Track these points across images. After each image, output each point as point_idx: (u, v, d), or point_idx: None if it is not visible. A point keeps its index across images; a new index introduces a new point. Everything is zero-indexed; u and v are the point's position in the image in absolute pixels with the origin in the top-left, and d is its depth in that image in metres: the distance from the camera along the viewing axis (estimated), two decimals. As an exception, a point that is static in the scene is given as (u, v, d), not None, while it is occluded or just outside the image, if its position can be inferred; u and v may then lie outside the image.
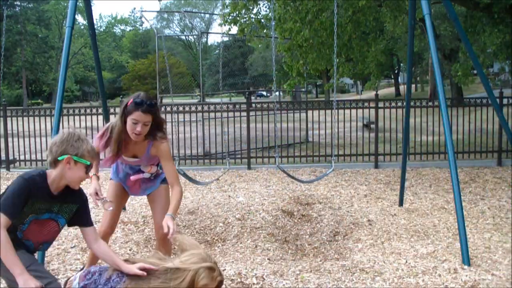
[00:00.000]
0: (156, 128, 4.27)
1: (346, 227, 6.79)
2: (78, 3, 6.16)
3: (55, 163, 3.19)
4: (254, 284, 4.91)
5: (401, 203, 7.83)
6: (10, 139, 12.58)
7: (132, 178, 4.62)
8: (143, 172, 4.61)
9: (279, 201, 8.09)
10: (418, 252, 5.68)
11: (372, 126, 13.56)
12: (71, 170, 3.19)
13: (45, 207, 3.25)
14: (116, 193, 4.79)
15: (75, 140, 3.19)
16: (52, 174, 3.21)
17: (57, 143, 3.19)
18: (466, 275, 4.87)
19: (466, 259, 5.18)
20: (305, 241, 6.28)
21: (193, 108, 12.63)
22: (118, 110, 11.74)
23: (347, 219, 7.13)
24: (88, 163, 3.23)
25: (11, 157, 12.38)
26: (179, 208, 7.55)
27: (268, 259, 5.65)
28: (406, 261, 5.39)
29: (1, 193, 3.22)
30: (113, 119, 4.43)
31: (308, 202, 8.07)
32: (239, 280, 4.98)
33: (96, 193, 4.35)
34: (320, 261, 5.58)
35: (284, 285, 4.86)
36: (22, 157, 12.68)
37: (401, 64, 49.57)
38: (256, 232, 6.56)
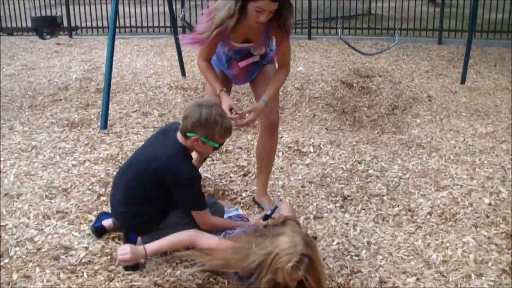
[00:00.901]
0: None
1: (405, 101, 6.75)
2: None
3: (185, 135, 3.06)
4: (311, 152, 5.01)
5: (463, 81, 7.66)
6: (71, 7, 12.73)
7: (242, 64, 3.72)
8: (252, 55, 3.72)
9: (338, 72, 8.05)
10: (477, 131, 5.64)
11: (438, 0, 13.00)
12: (199, 147, 3.09)
13: None
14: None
15: (211, 122, 2.98)
16: (186, 143, 3.10)
17: (191, 118, 3.00)
18: (525, 156, 4.85)
19: (526, 141, 5.13)
20: (363, 113, 6.29)
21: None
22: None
23: (406, 93, 7.08)
24: (217, 145, 3.09)
25: (73, 24, 12.52)
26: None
27: (326, 128, 5.71)
28: (464, 139, 5.38)
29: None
30: None
31: (368, 74, 8.00)
32: (296, 148, 5.08)
33: (231, 109, 3.45)
34: (377, 133, 5.62)
35: (340, 155, 4.94)
36: (83, 24, 12.80)
37: None
38: (315, 102, 6.60)
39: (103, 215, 3.48)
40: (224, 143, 3.08)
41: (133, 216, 3.07)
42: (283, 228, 2.89)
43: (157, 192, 3.08)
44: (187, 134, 3.02)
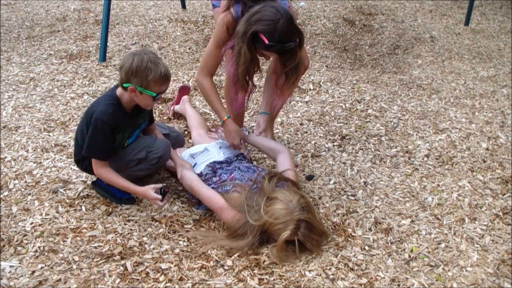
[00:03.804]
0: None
1: (407, 41, 6.68)
2: None
3: (123, 87, 2.90)
4: (310, 89, 4.99)
5: (467, 22, 7.56)
6: None
7: None
8: None
9: (341, 8, 7.91)
10: (478, 74, 5.61)
11: None
12: (138, 98, 2.91)
13: (132, 129, 3.09)
14: None
15: (143, 69, 2.80)
16: (123, 96, 2.96)
17: (124, 68, 2.84)
18: (525, 101, 4.84)
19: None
20: (364, 52, 6.23)
21: None
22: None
23: (409, 33, 6.99)
24: (154, 94, 2.87)
25: None
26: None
27: (326, 66, 5.67)
28: (465, 82, 5.35)
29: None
30: None
31: (371, 12, 7.87)
32: (296, 85, 5.04)
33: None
34: (378, 73, 5.58)
35: (340, 93, 4.92)
36: None
37: None
38: (316, 39, 6.52)
39: None
40: (165, 92, 2.97)
41: (82, 160, 3.12)
42: (276, 192, 2.84)
43: None
44: (124, 85, 2.88)
